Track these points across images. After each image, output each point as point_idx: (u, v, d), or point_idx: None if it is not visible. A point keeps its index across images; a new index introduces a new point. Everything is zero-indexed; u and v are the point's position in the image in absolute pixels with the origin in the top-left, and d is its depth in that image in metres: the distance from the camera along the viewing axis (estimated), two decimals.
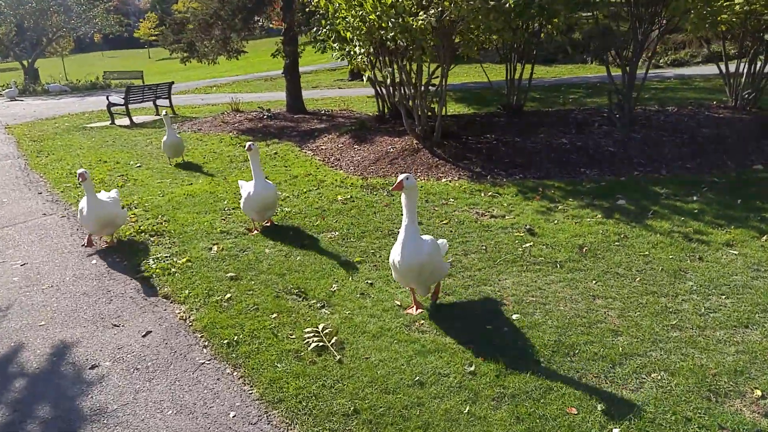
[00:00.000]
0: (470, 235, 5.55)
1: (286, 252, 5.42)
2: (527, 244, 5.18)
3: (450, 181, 7.55)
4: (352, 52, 8.79)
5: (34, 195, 8.45)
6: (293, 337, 3.89)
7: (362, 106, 16.17)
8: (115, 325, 4.32)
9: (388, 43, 8.14)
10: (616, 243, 5.11)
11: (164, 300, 4.70)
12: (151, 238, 6.16)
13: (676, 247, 4.92)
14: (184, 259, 5.41)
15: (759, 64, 9.07)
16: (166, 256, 5.58)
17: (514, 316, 3.97)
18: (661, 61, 18.55)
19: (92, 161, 10.73)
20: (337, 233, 5.84)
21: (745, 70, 9.24)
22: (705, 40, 12.64)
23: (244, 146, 5.42)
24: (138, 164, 10.24)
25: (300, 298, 4.46)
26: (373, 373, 3.38)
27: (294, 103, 14.96)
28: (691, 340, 3.55)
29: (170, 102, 16.97)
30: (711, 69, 16.61)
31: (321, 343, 3.72)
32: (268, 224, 6.23)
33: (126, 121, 15.48)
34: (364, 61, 8.89)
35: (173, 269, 5.22)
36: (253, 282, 4.82)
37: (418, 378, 3.32)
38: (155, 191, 8.12)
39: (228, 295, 4.57)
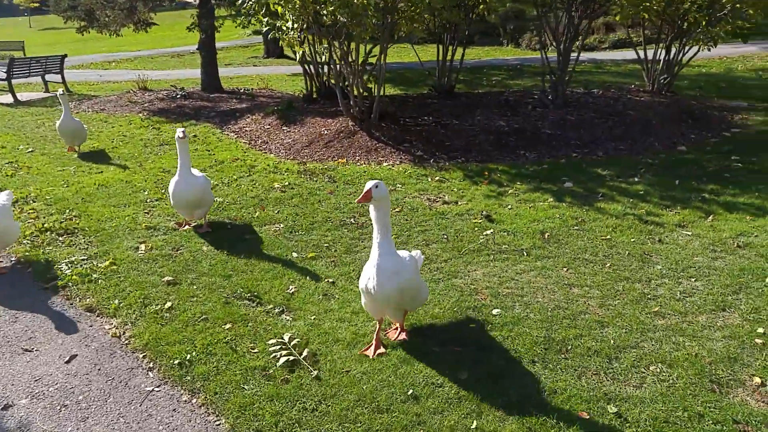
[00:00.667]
0: (427, 223, 5.22)
1: (227, 249, 4.79)
2: (488, 231, 4.93)
3: (392, 166, 7.17)
4: (283, 28, 8.07)
5: None
6: (256, 351, 3.36)
7: (283, 84, 15.31)
8: (26, 350, 3.53)
9: (324, 18, 7.54)
10: (576, 228, 5.00)
11: (88, 314, 3.94)
12: (60, 238, 5.25)
13: (635, 230, 4.89)
14: (107, 262, 4.62)
15: (674, 50, 9.46)
16: (83, 259, 4.74)
17: (495, 311, 3.69)
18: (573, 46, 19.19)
19: None
20: (281, 225, 5.28)
21: (662, 57, 9.61)
22: (626, 26, 13.10)
23: (176, 133, 4.60)
24: (30, 149, 8.90)
25: (254, 303, 3.90)
26: (358, 390, 2.96)
27: (210, 81, 13.82)
28: (677, 327, 3.45)
29: (63, 77, 15.11)
30: (618, 54, 17.46)
31: (291, 357, 3.22)
32: (208, 229, 5.24)
33: (8, 99, 13.57)
34: (295, 38, 8.21)
35: (94, 275, 4.43)
36: (194, 286, 4.17)
37: (410, 391, 2.94)
38: (57, 181, 7.03)
39: (168, 304, 3.90)
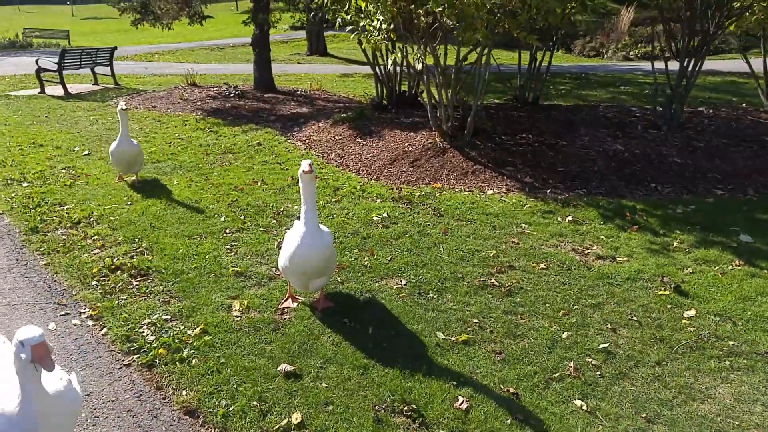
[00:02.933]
0: (594, 291, 3.98)
1: (348, 318, 3.64)
2: (689, 313, 3.66)
3: (499, 195, 5.96)
4: (368, 27, 6.85)
5: None
6: None
7: (336, 86, 14.12)
8: None
9: (421, 19, 6.32)
10: None
11: (188, 420, 2.81)
12: (134, 282, 4.15)
13: None
14: (198, 329, 3.50)
15: None
16: (167, 320, 3.63)
17: None
18: (631, 53, 17.66)
19: (23, 143, 8.20)
20: (403, 282, 4.10)
21: None
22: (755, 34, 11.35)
23: (301, 167, 3.20)
24: (86, 151, 7.86)
25: (416, 424, 2.74)
26: None
27: (263, 80, 12.68)
28: None
29: (112, 70, 14.09)
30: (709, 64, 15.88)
31: None
32: (328, 304, 3.79)
33: (59, 90, 12.59)
34: (381, 39, 6.98)
35: (185, 350, 3.31)
36: (324, 384, 3.02)
37: None
38: (119, 196, 5.95)
39: (296, 417, 2.75)
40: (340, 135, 8.49)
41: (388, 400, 2.87)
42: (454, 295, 3.90)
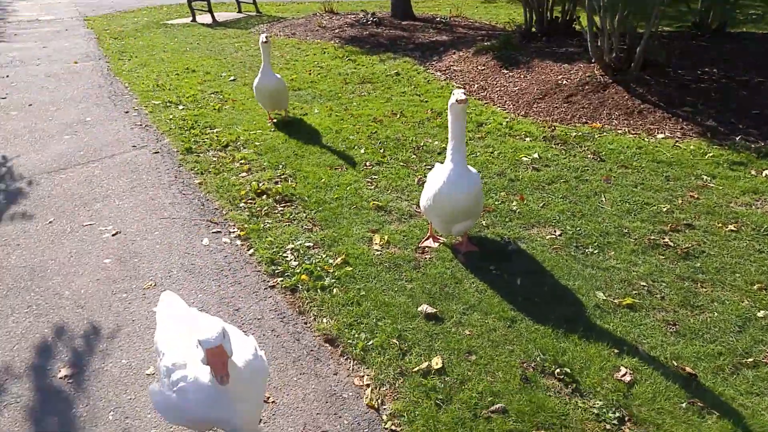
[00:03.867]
0: None
1: (491, 263, 3.44)
2: None
3: (673, 139, 5.20)
4: None
5: (121, 114, 6.68)
6: None
7: (478, 12, 13.29)
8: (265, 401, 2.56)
9: None
10: None
11: (328, 348, 2.87)
12: (279, 207, 4.31)
13: None
14: (339, 259, 3.53)
15: None
16: (309, 247, 3.72)
17: None
18: None
19: (179, 69, 8.83)
20: (557, 232, 3.76)
21: None
22: None
23: (453, 95, 3.05)
24: (232, 77, 8.26)
25: (568, 389, 2.52)
26: None
27: (401, 6, 12.28)
28: None
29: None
30: None
31: None
32: (472, 248, 3.62)
33: (208, 19, 13.33)
34: None
35: (327, 278, 3.37)
36: (466, 330, 2.90)
37: None
38: (262, 122, 6.18)
39: (437, 361, 2.67)
40: (483, 65, 7.98)
41: (538, 359, 2.68)
42: (617, 252, 3.50)
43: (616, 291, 3.14)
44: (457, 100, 3.06)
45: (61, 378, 2.70)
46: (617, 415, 2.36)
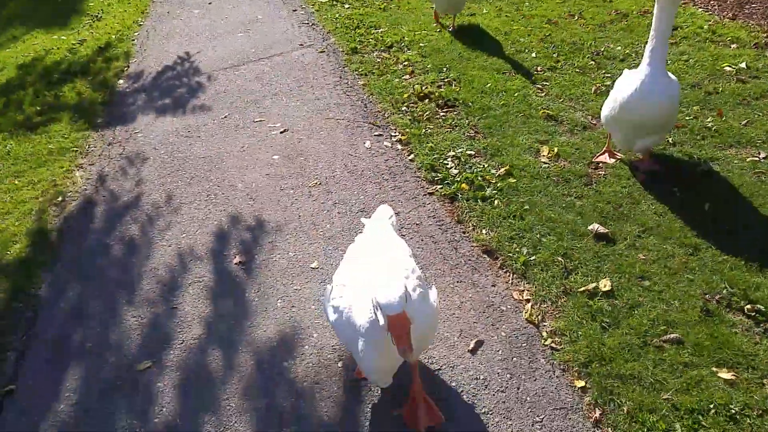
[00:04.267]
0: None
1: (673, 184, 3.11)
2: None
3: None
4: None
5: (289, 12, 6.94)
6: None
7: None
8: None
9: None
10: None
11: (486, 259, 2.88)
12: (440, 112, 4.27)
13: None
14: (503, 170, 3.45)
15: None
16: (471, 155, 3.67)
17: None
18: None
19: None
20: (762, 155, 3.25)
21: None
22: None
23: None
24: None
25: (759, 327, 2.28)
26: None
27: None
28: None
29: None
30: None
31: None
32: (654, 166, 3.26)
33: None
34: None
35: (488, 188, 3.32)
36: (641, 254, 2.71)
37: None
38: (428, 23, 6.01)
39: (605, 284, 2.56)
40: None
41: (724, 291, 2.44)
42: None
43: None
44: None
45: (236, 264, 3.06)
46: None
